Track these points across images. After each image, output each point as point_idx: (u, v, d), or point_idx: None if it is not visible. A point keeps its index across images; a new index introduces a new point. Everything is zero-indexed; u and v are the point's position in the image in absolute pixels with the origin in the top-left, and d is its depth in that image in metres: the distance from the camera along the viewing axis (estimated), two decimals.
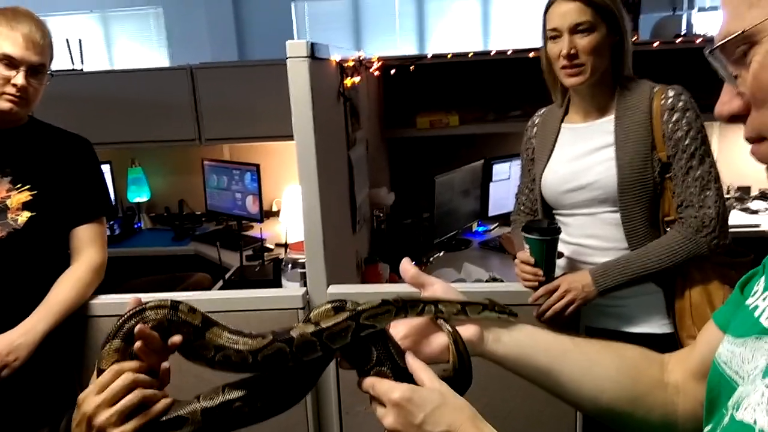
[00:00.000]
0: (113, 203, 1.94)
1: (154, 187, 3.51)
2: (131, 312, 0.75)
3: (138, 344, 0.73)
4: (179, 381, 0.82)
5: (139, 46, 5.01)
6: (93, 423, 0.70)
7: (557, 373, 0.82)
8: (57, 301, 1.53)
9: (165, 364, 0.78)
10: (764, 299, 0.63)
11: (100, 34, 5.00)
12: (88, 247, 1.63)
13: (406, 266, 0.84)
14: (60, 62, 3.29)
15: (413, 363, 0.73)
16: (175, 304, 0.77)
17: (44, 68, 1.55)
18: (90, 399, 0.71)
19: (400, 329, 0.81)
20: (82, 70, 3.23)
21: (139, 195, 3.41)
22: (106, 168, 3.20)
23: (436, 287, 0.83)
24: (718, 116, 0.58)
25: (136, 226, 3.39)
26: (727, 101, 0.57)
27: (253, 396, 0.82)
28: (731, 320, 0.70)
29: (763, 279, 0.66)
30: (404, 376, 0.73)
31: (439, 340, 0.81)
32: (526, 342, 0.83)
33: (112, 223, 3.29)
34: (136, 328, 0.73)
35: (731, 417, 0.56)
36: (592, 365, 0.83)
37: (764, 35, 0.51)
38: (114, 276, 1.72)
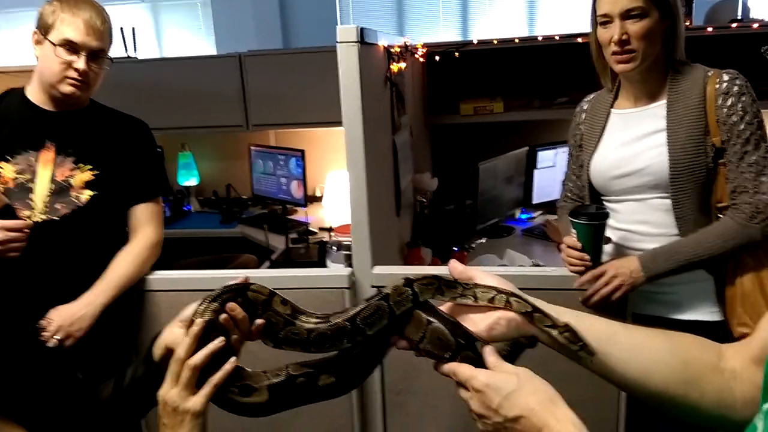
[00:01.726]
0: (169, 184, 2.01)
1: (203, 172, 3.61)
2: (236, 286, 0.82)
3: (224, 317, 0.81)
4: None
5: (186, 35, 5.13)
6: (167, 397, 0.80)
7: (606, 355, 0.81)
8: (116, 275, 1.61)
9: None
10: None
11: (150, 23, 5.14)
12: (145, 225, 1.70)
13: (454, 265, 0.86)
14: (115, 50, 3.41)
15: (490, 354, 0.76)
16: (272, 295, 0.83)
17: (104, 53, 1.62)
18: (165, 387, 0.81)
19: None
20: (136, 57, 3.34)
21: (189, 179, 3.52)
22: None
23: (487, 279, 0.84)
24: None
25: (185, 208, 3.50)
26: None
27: (318, 374, 0.86)
28: None
29: None
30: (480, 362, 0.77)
31: (482, 320, 0.82)
32: (574, 323, 0.83)
33: (163, 205, 3.40)
34: (228, 305, 0.81)
35: None
36: (641, 348, 0.82)
37: None
38: (165, 256, 1.79)
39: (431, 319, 0.80)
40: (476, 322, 0.82)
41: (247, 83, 3.02)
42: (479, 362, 0.76)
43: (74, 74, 1.56)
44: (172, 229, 3.17)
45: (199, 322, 0.80)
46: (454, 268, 0.86)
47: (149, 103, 2.93)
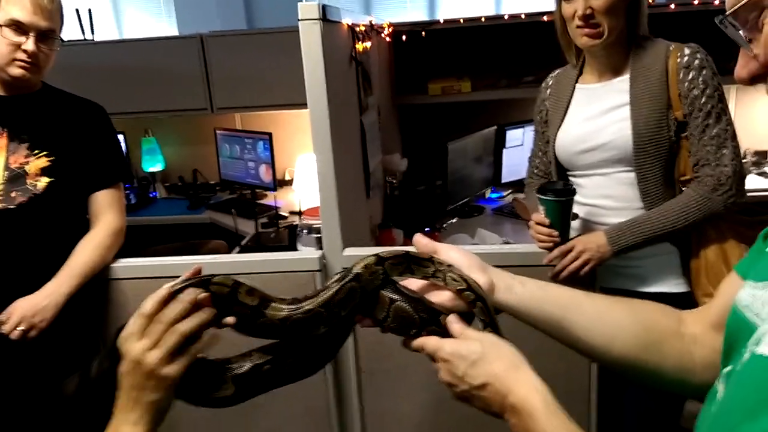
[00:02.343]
0: (129, 169, 1.97)
1: (168, 157, 3.53)
2: (196, 281, 0.76)
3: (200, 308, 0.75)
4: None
5: (146, 16, 4.98)
6: (145, 363, 0.71)
7: (569, 322, 0.83)
8: (78, 264, 1.57)
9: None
10: None
11: (108, 3, 4.97)
12: (106, 211, 1.65)
13: (418, 238, 0.85)
14: (71, 32, 3.28)
15: (454, 323, 0.76)
16: (236, 286, 0.78)
17: (54, 33, 1.55)
18: (134, 345, 0.71)
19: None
20: (93, 40, 3.23)
21: (153, 165, 3.44)
22: (119, 138, 3.22)
23: (451, 254, 0.83)
24: (739, 80, 0.59)
25: (151, 195, 3.43)
26: (745, 64, 0.58)
27: (284, 358, 0.84)
28: (752, 267, 0.71)
29: None
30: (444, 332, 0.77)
31: (442, 296, 0.82)
32: (538, 293, 0.84)
33: (128, 192, 3.33)
34: (200, 296, 0.74)
35: (751, 353, 0.58)
36: (604, 315, 0.83)
37: None
38: (131, 244, 1.75)
39: (394, 297, 0.79)
40: (441, 293, 0.82)
41: (210, 65, 2.95)
42: (445, 334, 0.76)
43: (23, 56, 1.50)
44: (139, 216, 3.11)
45: (166, 287, 0.74)
46: (418, 242, 0.85)
47: (109, 88, 2.84)
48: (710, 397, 0.65)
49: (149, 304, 0.73)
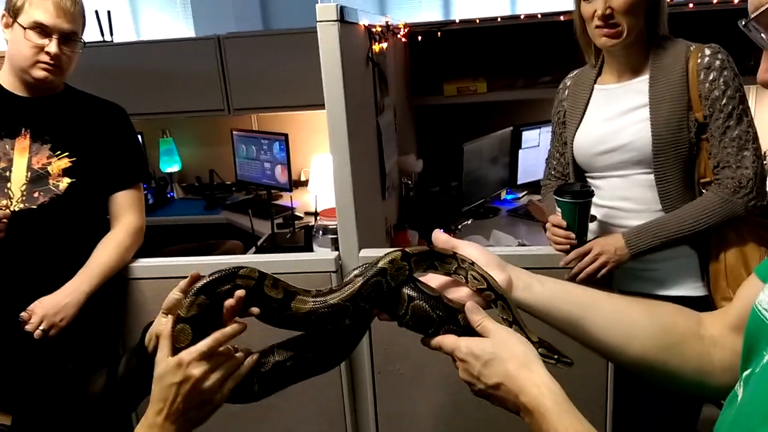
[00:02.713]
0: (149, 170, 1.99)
1: (185, 158, 3.56)
2: (223, 274, 0.79)
3: (230, 303, 0.79)
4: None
5: (164, 17, 5.02)
6: (202, 386, 0.78)
7: (587, 321, 0.82)
8: (98, 263, 1.59)
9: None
10: None
11: (126, 5, 5.02)
12: (126, 212, 1.67)
13: (437, 234, 0.86)
14: (90, 34, 3.31)
15: (473, 312, 0.76)
16: (261, 279, 0.81)
17: (76, 36, 1.58)
18: (197, 364, 0.78)
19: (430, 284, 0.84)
20: (112, 41, 3.26)
21: (171, 165, 3.47)
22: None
23: (469, 250, 0.84)
24: (762, 83, 0.58)
25: (168, 195, 3.46)
26: None
27: (304, 353, 0.86)
28: None
29: None
30: (469, 330, 0.77)
31: (461, 292, 0.83)
32: (557, 291, 0.84)
33: (145, 192, 3.35)
34: (239, 293, 0.78)
35: None
36: (622, 315, 0.83)
37: None
38: (148, 244, 1.77)
39: (412, 294, 0.80)
40: (460, 289, 0.83)
41: (227, 66, 2.97)
42: (463, 332, 0.77)
43: (46, 58, 1.52)
44: (156, 216, 3.14)
45: (210, 345, 0.79)
46: (437, 238, 0.86)
47: (127, 89, 2.88)
48: (730, 401, 0.65)
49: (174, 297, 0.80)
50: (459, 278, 0.82)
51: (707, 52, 1.44)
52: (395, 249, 0.82)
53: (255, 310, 0.80)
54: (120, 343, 1.71)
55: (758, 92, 3.08)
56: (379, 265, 0.79)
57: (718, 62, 1.43)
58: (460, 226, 2.76)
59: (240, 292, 0.78)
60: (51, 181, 1.58)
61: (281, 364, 0.85)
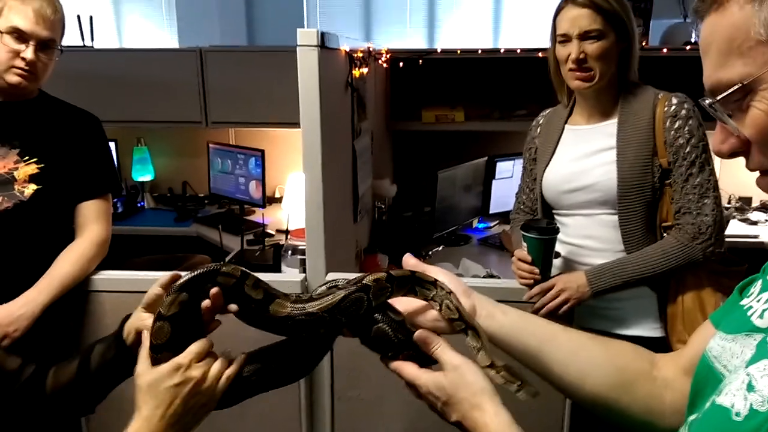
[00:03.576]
0: (119, 181, 1.98)
1: (159, 168, 3.53)
2: (206, 271, 0.80)
3: (207, 304, 0.80)
4: None
5: (148, 25, 5.00)
6: (200, 388, 0.79)
7: (545, 354, 0.84)
8: (59, 274, 1.56)
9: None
10: (758, 301, 0.67)
11: (110, 11, 4.99)
12: (92, 222, 1.65)
13: (407, 259, 0.88)
14: (70, 38, 3.29)
15: (428, 348, 0.77)
16: (242, 278, 0.81)
17: (54, 44, 1.56)
18: (196, 366, 0.79)
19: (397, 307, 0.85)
20: (92, 47, 3.24)
21: (144, 174, 3.43)
22: (111, 146, 3.20)
23: (439, 276, 0.85)
24: (718, 154, 0.61)
25: (139, 205, 3.41)
26: (724, 140, 0.60)
27: (267, 365, 0.86)
28: (725, 318, 0.73)
29: (760, 282, 0.70)
30: (426, 358, 0.78)
31: (428, 317, 0.85)
32: (518, 322, 0.86)
33: (116, 201, 3.31)
34: (213, 291, 0.79)
35: (712, 402, 0.59)
36: (579, 351, 0.85)
37: (760, 85, 0.54)
38: (115, 254, 1.75)
39: (378, 317, 0.81)
40: (428, 312, 0.85)
41: (207, 79, 2.96)
42: (422, 357, 0.78)
43: (21, 63, 1.51)
44: (125, 225, 3.09)
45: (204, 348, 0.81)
46: (406, 262, 0.87)
47: (105, 95, 2.86)
48: None
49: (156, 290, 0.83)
50: (434, 305, 0.83)
51: (674, 101, 1.49)
52: (381, 271, 0.83)
53: (233, 306, 0.80)
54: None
55: None
56: (364, 281, 0.80)
57: (684, 111, 1.48)
58: (430, 252, 2.78)
59: (215, 290, 0.79)
60: (16, 187, 1.55)
61: (241, 374, 0.84)
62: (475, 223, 3.16)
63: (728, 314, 0.73)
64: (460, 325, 0.80)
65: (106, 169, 1.72)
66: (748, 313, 0.66)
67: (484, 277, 2.41)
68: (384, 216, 2.83)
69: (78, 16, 3.21)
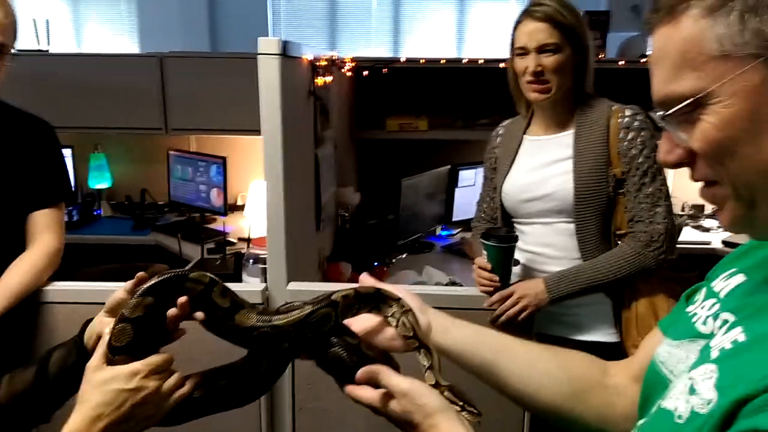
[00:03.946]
0: (73, 189, 1.93)
1: (117, 175, 3.45)
2: (173, 276, 0.79)
3: (173, 312, 0.78)
4: None
5: (108, 30, 4.90)
6: (152, 399, 0.77)
7: (500, 368, 0.85)
8: (9, 285, 1.50)
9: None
10: (702, 308, 0.69)
11: (68, 15, 4.87)
12: (44, 232, 1.60)
13: (365, 278, 0.88)
14: (26, 42, 3.20)
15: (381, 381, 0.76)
16: (210, 285, 0.80)
17: (7, 49, 1.52)
18: (154, 377, 0.78)
19: (354, 326, 0.84)
20: (48, 51, 3.16)
21: (101, 182, 3.35)
22: (67, 152, 3.13)
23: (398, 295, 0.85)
24: (664, 164, 0.62)
25: (95, 213, 3.32)
26: (671, 150, 0.60)
27: (217, 387, 0.84)
28: (672, 325, 0.75)
29: (704, 290, 0.72)
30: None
31: (386, 335, 0.85)
32: (472, 336, 0.87)
33: (71, 209, 3.22)
34: (181, 300, 0.78)
35: (658, 406, 0.61)
36: (534, 362, 0.87)
37: (711, 99, 0.55)
38: (70, 263, 1.70)
39: (334, 339, 0.80)
40: (386, 330, 0.85)
41: (168, 85, 2.92)
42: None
43: None
44: (80, 234, 3.00)
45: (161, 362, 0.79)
46: (363, 282, 0.88)
47: (62, 100, 2.79)
48: None
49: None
50: (391, 321, 0.83)
51: (627, 113, 1.54)
52: (349, 287, 0.83)
53: (199, 314, 0.79)
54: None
55: None
56: (332, 297, 0.80)
57: (636, 123, 1.53)
58: (394, 260, 2.78)
59: (183, 299, 0.78)
60: None
61: (194, 396, 0.83)
62: (438, 231, 3.19)
63: (675, 321, 0.76)
64: (414, 343, 0.81)
65: (59, 177, 1.68)
66: (693, 320, 0.69)
67: (446, 284, 2.43)
68: (347, 224, 2.83)
69: (34, 20, 3.13)
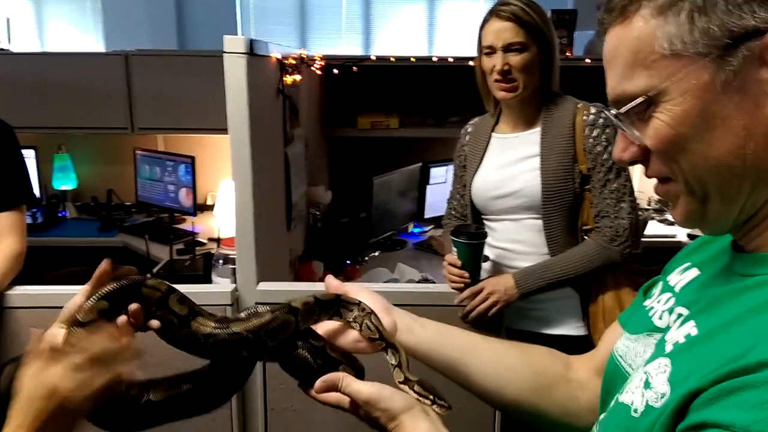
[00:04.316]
0: (35, 191, 1.88)
1: (82, 176, 3.37)
2: (130, 283, 0.77)
3: (123, 318, 0.75)
4: None
5: (72, 28, 4.78)
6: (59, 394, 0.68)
7: (465, 365, 0.86)
8: None
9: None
10: (659, 302, 0.70)
11: (30, 13, 4.74)
12: (5, 235, 1.56)
13: (329, 280, 0.88)
14: None
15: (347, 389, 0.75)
16: (168, 292, 0.78)
17: None
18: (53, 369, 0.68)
19: (318, 329, 0.84)
20: (9, 50, 3.07)
21: (65, 183, 3.27)
22: (30, 153, 3.06)
23: (362, 295, 0.86)
24: (618, 161, 0.63)
25: (60, 214, 3.25)
26: (625, 148, 0.61)
27: (178, 394, 0.82)
28: (630, 319, 0.77)
29: (661, 284, 0.73)
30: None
31: (348, 336, 0.84)
32: (437, 335, 0.87)
33: (35, 210, 3.14)
34: (132, 307, 0.75)
35: (616, 400, 0.62)
36: (498, 359, 0.87)
37: (663, 97, 0.56)
38: (35, 266, 1.66)
39: (299, 342, 0.80)
40: (348, 333, 0.84)
41: (134, 84, 2.87)
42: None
43: None
44: (45, 237, 2.94)
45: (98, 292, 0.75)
46: (329, 284, 0.87)
47: (24, 100, 2.73)
48: None
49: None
50: (354, 325, 0.83)
51: (592, 110, 1.56)
52: (310, 294, 0.82)
53: (155, 323, 0.77)
54: None
55: None
56: (293, 304, 0.79)
57: (601, 120, 1.55)
58: (366, 258, 2.78)
59: (134, 306, 0.76)
60: None
61: (153, 401, 0.81)
62: (410, 228, 3.20)
63: (633, 315, 0.77)
64: (381, 344, 0.81)
65: (19, 179, 1.64)
66: (650, 314, 0.70)
67: (419, 281, 2.44)
68: (319, 223, 2.82)
69: None
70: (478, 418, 1.64)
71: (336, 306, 0.83)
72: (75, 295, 0.81)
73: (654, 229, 3.06)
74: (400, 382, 0.78)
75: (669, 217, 3.25)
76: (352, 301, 0.84)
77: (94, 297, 0.76)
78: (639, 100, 0.57)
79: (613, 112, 0.60)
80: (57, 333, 0.80)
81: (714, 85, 0.54)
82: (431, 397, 0.76)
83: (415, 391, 0.76)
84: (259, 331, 0.77)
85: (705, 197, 0.57)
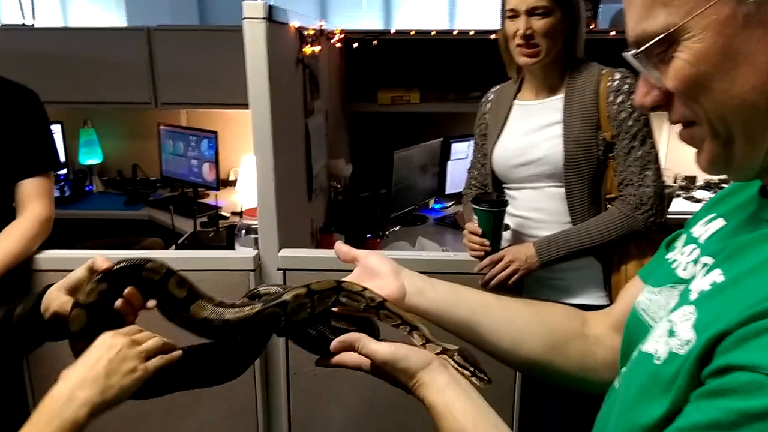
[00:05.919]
0: (62, 160, 1.92)
1: (107, 150, 3.43)
2: (130, 265, 0.79)
3: (120, 302, 0.79)
4: None
5: (94, 4, 4.82)
6: (126, 352, 0.77)
7: (478, 325, 0.85)
8: (0, 252, 1.50)
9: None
10: (682, 254, 0.69)
11: None
12: (34, 200, 1.59)
13: (339, 246, 0.86)
14: (11, 17, 3.15)
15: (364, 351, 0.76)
16: (167, 275, 0.80)
17: None
18: (122, 335, 0.78)
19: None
20: (33, 25, 3.11)
21: (91, 157, 3.33)
22: (57, 128, 3.11)
23: (370, 258, 0.85)
24: (641, 107, 0.61)
25: (87, 188, 3.31)
26: (647, 92, 0.60)
27: (192, 364, 0.84)
28: (652, 272, 0.76)
29: (684, 236, 0.72)
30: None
31: None
32: (449, 295, 0.85)
33: (62, 184, 3.21)
34: (128, 291, 0.79)
35: (638, 350, 0.62)
36: (512, 318, 0.86)
37: (683, 34, 0.54)
38: (62, 238, 1.70)
39: (319, 327, 0.79)
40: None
41: (156, 59, 2.89)
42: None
43: None
44: (72, 209, 3.00)
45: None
46: (339, 249, 0.86)
47: (49, 75, 2.76)
48: (609, 395, 0.69)
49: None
50: (372, 317, 0.80)
51: (617, 76, 1.53)
52: (302, 285, 0.80)
53: (151, 303, 0.80)
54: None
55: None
56: (282, 297, 0.78)
57: (626, 86, 1.52)
58: (387, 233, 2.79)
59: (129, 290, 0.79)
60: None
61: (171, 366, 0.83)
62: (431, 204, 3.19)
63: (655, 268, 0.76)
64: (405, 329, 0.79)
65: (46, 145, 1.67)
66: (673, 266, 0.69)
67: None
68: (340, 196, 2.83)
69: None
70: (499, 382, 1.65)
71: (335, 294, 0.80)
72: (81, 267, 0.84)
73: (679, 205, 3.01)
74: (438, 353, 0.76)
75: (695, 194, 3.19)
76: (355, 290, 0.80)
77: (94, 278, 0.79)
78: (658, 38, 0.55)
79: (631, 52, 0.59)
80: (61, 298, 0.85)
81: (735, 20, 0.52)
82: (471, 369, 0.75)
83: (455, 361, 0.75)
84: (248, 322, 0.78)
85: (729, 139, 0.56)
